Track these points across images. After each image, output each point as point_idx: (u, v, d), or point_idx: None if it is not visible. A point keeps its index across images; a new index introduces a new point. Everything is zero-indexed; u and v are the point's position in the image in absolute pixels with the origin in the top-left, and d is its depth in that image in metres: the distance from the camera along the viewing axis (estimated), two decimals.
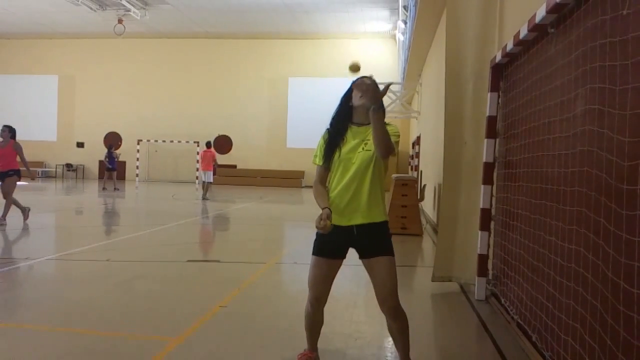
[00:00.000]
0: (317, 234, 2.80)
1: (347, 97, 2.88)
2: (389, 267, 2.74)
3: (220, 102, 27.37)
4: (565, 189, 2.85)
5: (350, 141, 2.80)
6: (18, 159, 9.03)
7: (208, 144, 16.76)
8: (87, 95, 28.53)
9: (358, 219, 2.75)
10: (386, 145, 2.63)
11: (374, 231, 2.77)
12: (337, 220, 2.72)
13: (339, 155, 2.79)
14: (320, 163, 2.86)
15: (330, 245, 2.77)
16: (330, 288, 2.89)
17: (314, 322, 2.97)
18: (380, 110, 2.61)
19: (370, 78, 2.79)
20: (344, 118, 2.86)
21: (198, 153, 26.38)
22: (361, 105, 2.78)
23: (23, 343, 3.43)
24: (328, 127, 2.91)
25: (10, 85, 28.79)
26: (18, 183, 9.10)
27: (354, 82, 2.86)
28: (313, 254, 2.86)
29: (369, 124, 2.80)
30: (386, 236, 2.80)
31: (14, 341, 3.47)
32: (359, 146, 2.78)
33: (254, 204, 15.87)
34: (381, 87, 2.71)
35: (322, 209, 2.70)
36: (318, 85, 26.36)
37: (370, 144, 2.75)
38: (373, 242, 2.76)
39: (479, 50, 4.89)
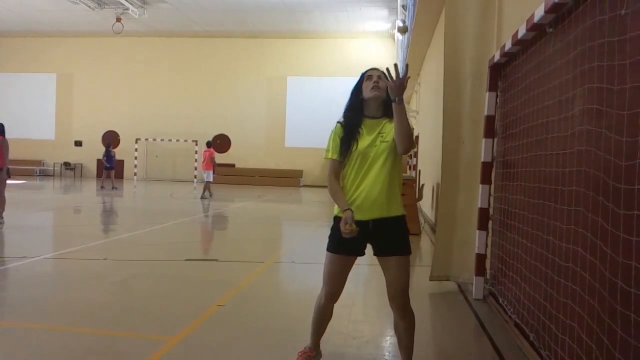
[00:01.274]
0: (333, 229, 2.76)
1: (358, 89, 2.82)
2: (404, 266, 2.72)
3: (219, 101, 27.35)
4: (563, 188, 2.86)
5: (366, 136, 2.73)
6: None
7: (208, 144, 16.87)
8: (85, 93, 28.49)
9: (375, 213, 2.68)
10: (409, 139, 2.60)
11: (391, 226, 2.72)
12: (355, 215, 2.65)
13: (357, 149, 2.71)
14: (336, 157, 2.76)
15: (347, 242, 2.69)
16: (345, 283, 2.85)
17: (325, 315, 2.94)
18: (403, 102, 2.57)
19: (379, 70, 2.77)
20: (357, 111, 2.80)
21: (196, 152, 26.45)
22: (373, 97, 2.73)
23: (20, 342, 3.42)
24: (340, 120, 2.84)
25: (8, 84, 28.72)
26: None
27: (364, 74, 2.83)
28: (328, 250, 2.80)
29: (381, 117, 2.78)
30: (404, 232, 2.75)
31: (11, 340, 3.46)
32: (376, 139, 2.72)
33: (252, 203, 15.86)
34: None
35: (344, 210, 2.63)
36: (316, 84, 26.38)
37: (386, 135, 2.70)
38: (390, 238, 2.71)
39: (478, 49, 4.89)
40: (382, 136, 2.72)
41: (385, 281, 2.77)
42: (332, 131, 2.83)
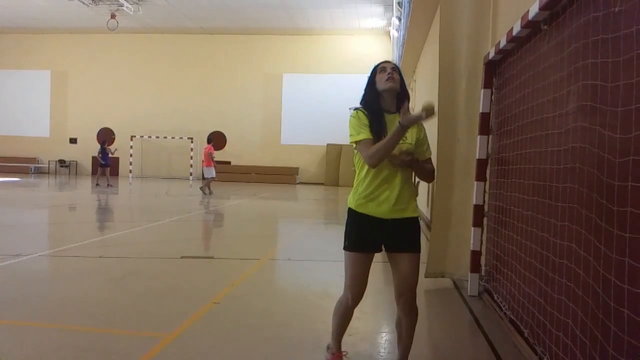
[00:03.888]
0: (349, 225, 2.75)
1: (372, 82, 2.77)
2: (414, 264, 2.73)
3: (215, 98, 27.25)
4: (557, 185, 2.87)
5: (389, 132, 2.65)
6: None
7: (208, 140, 17.05)
8: (80, 90, 28.32)
9: (396, 213, 2.67)
10: (433, 177, 2.81)
11: (408, 226, 2.72)
12: (375, 212, 2.67)
13: None
14: (370, 136, 2.62)
15: (368, 239, 2.70)
16: (367, 281, 2.82)
17: (348, 318, 2.95)
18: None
19: (392, 62, 2.77)
20: (376, 103, 2.75)
21: (192, 149, 26.40)
22: (388, 88, 2.69)
23: (14, 339, 3.41)
24: (359, 108, 2.76)
25: (1, 81, 28.51)
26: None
27: (377, 66, 2.80)
28: (349, 250, 2.75)
29: (395, 112, 2.74)
30: (418, 231, 2.77)
31: (5, 337, 3.45)
32: None
33: (247, 201, 15.84)
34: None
35: (399, 131, 2.48)
36: (312, 81, 26.34)
37: (410, 137, 2.69)
38: (406, 237, 2.72)
39: (473, 46, 4.89)
40: (404, 137, 2.65)
41: (394, 278, 2.78)
42: (353, 117, 2.71)
